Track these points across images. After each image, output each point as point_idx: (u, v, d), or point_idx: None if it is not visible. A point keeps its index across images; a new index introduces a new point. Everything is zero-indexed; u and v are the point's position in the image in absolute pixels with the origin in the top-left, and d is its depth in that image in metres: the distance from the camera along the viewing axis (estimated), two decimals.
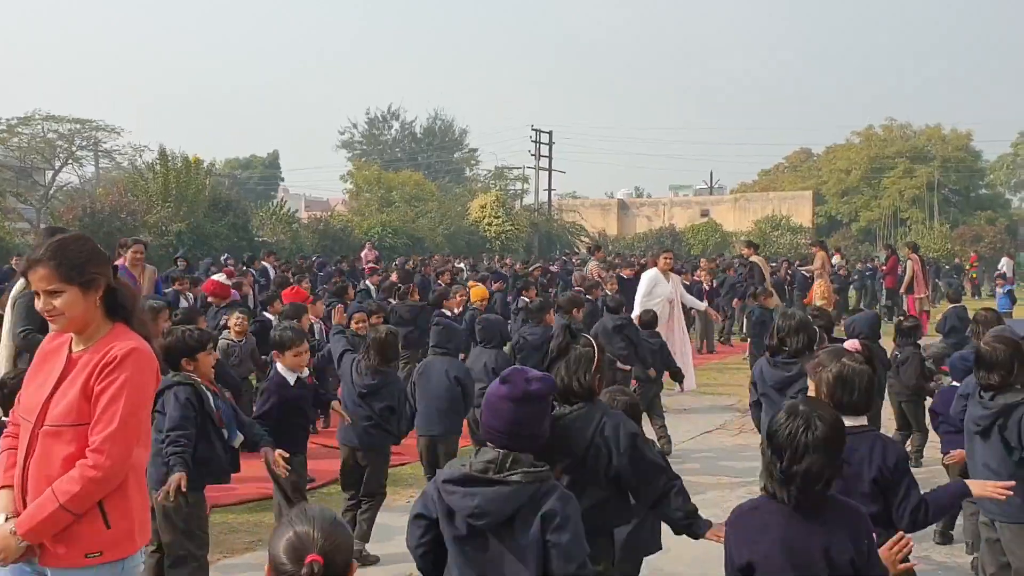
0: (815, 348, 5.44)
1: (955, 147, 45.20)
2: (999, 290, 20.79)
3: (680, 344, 10.39)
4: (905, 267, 18.86)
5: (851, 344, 3.69)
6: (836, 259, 18.48)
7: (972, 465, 4.39)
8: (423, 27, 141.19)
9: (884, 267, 21.55)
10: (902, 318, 9.13)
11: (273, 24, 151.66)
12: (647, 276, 10.45)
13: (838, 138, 54.04)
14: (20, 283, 5.85)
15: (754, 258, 16.07)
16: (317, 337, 8.57)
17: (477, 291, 10.06)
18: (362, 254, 22.24)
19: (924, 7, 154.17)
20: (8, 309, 5.90)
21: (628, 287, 12.87)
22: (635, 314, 9.75)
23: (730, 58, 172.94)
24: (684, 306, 11.55)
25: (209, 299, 9.32)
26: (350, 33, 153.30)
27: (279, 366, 5.53)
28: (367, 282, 14.14)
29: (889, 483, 3.29)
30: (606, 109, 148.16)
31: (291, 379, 5.48)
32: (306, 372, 5.64)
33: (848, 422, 3.22)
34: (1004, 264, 29.70)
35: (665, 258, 10.61)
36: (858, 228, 44.59)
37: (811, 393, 3.48)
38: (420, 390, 6.35)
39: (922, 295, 18.28)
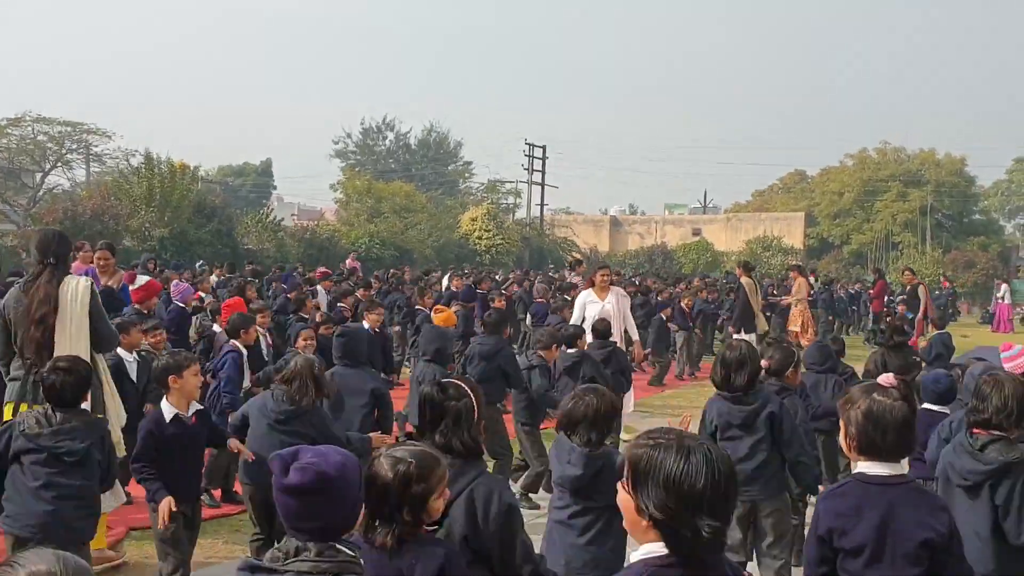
0: (761, 381, 5.19)
1: (949, 172, 45.14)
2: None
3: None
4: (915, 292, 18.19)
5: (885, 379, 3.21)
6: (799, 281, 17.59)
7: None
8: (421, 38, 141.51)
9: (872, 290, 21.34)
10: (891, 329, 8.78)
11: (271, 30, 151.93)
12: (579, 299, 9.90)
13: (833, 160, 54.02)
14: (85, 285, 5.39)
15: (744, 279, 15.51)
16: (266, 351, 8.26)
17: (442, 316, 9.61)
18: (347, 263, 21.93)
19: (922, 32, 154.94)
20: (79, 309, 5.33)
21: None
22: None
23: (730, 78, 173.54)
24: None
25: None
26: (349, 42, 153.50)
27: (163, 400, 5.00)
28: (320, 287, 13.76)
29: (943, 548, 2.86)
30: (604, 127, 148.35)
31: (168, 415, 4.90)
32: (193, 408, 5.07)
33: (884, 469, 2.92)
34: (1002, 290, 28.87)
35: (602, 275, 9.78)
36: (850, 251, 44.44)
37: (842, 435, 3.06)
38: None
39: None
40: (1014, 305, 35.37)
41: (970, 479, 3.64)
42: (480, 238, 37.58)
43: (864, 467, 2.96)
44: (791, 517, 5.17)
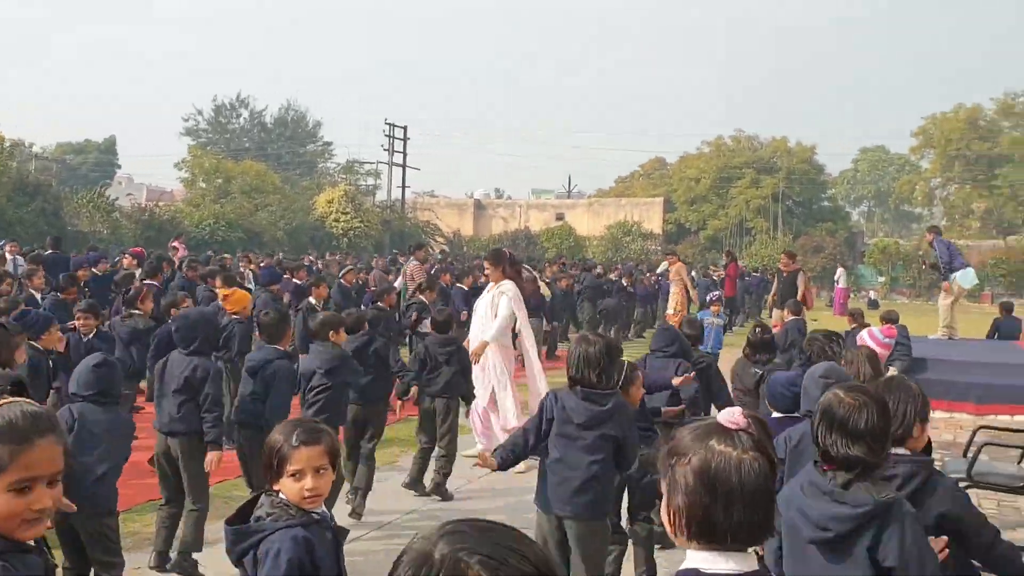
0: (621, 377, 4.56)
1: (800, 160, 46.62)
2: (711, 317, 12.49)
3: (527, 369, 8.54)
4: (793, 279, 14.67)
5: (730, 417, 1.85)
6: (677, 266, 17.13)
7: None
8: (281, 13, 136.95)
9: (725, 273, 21.36)
10: (759, 329, 8.03)
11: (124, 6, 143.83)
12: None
13: (691, 148, 55.16)
14: None
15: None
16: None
17: (237, 298, 8.16)
18: (175, 246, 20.26)
19: (778, 29, 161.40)
20: None
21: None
22: (490, 336, 8.14)
23: (598, 65, 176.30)
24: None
25: None
26: (205, 16, 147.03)
27: None
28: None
29: None
30: (472, 111, 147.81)
31: None
32: None
33: (728, 563, 1.73)
34: (839, 274, 29.48)
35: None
36: (706, 236, 45.33)
37: (664, 501, 1.82)
38: None
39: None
40: (857, 289, 36.75)
41: (834, 528, 2.61)
42: (337, 221, 36.08)
43: (698, 560, 1.77)
44: (605, 548, 4.56)
